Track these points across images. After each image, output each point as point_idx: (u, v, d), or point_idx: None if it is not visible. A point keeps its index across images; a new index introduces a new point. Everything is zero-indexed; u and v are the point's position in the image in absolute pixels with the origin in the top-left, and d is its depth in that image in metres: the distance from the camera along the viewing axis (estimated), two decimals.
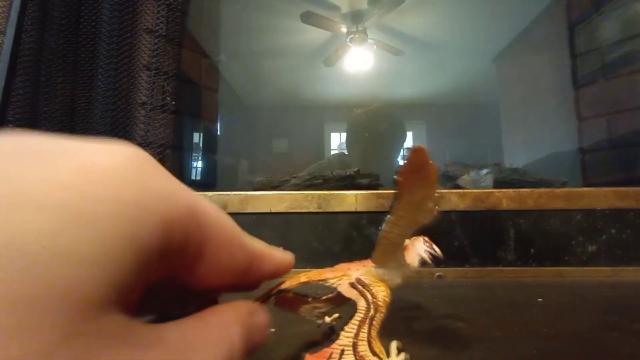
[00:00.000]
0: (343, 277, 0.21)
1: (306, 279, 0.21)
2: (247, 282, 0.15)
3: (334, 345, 0.17)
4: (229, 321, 0.13)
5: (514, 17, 1.52)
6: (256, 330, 0.14)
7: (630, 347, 0.24)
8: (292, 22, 1.71)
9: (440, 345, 0.24)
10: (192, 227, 0.11)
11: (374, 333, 0.17)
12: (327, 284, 0.21)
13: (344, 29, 1.80)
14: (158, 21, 0.69)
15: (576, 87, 0.93)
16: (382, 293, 0.19)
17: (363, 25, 1.80)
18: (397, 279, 0.21)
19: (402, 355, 0.18)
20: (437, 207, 0.19)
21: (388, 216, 0.19)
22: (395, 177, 0.17)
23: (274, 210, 0.53)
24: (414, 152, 0.17)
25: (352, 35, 1.82)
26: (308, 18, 1.66)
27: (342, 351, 0.17)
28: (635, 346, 0.24)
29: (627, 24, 0.80)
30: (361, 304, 0.19)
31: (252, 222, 0.53)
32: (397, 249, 0.21)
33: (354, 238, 0.53)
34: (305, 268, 0.33)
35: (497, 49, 1.74)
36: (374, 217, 0.53)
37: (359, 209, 0.53)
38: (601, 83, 0.85)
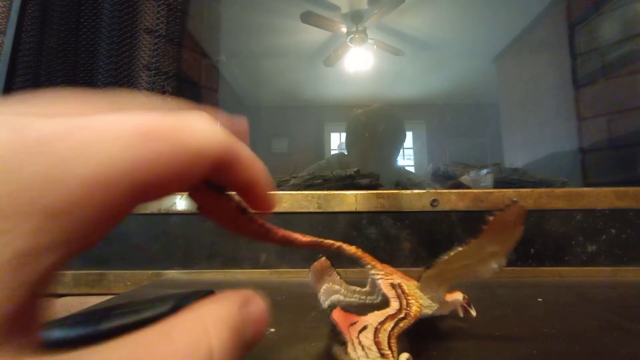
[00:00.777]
0: (388, 274, 0.21)
1: (360, 254, 0.21)
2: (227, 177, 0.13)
3: (361, 317, 0.18)
4: (209, 323, 0.10)
5: (514, 17, 1.52)
6: (252, 323, 0.11)
7: (630, 347, 0.24)
8: (292, 22, 1.71)
9: (440, 345, 0.24)
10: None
11: (396, 331, 0.17)
12: (372, 272, 0.21)
13: (344, 29, 1.81)
14: (158, 21, 0.69)
15: (576, 87, 0.93)
16: (416, 307, 0.19)
17: (363, 25, 1.80)
18: (428, 310, 0.21)
19: None
20: (499, 268, 0.19)
21: (458, 246, 0.19)
22: (488, 216, 0.17)
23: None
24: (517, 208, 0.17)
25: (352, 35, 1.82)
26: (308, 18, 1.66)
27: (365, 327, 0.17)
28: (635, 346, 0.24)
29: (627, 24, 0.80)
30: (394, 304, 0.19)
31: None
32: (443, 285, 0.22)
33: (354, 238, 0.53)
34: (305, 268, 0.33)
35: (497, 49, 1.74)
36: (374, 217, 0.53)
37: (359, 209, 0.53)
38: (601, 83, 0.86)
